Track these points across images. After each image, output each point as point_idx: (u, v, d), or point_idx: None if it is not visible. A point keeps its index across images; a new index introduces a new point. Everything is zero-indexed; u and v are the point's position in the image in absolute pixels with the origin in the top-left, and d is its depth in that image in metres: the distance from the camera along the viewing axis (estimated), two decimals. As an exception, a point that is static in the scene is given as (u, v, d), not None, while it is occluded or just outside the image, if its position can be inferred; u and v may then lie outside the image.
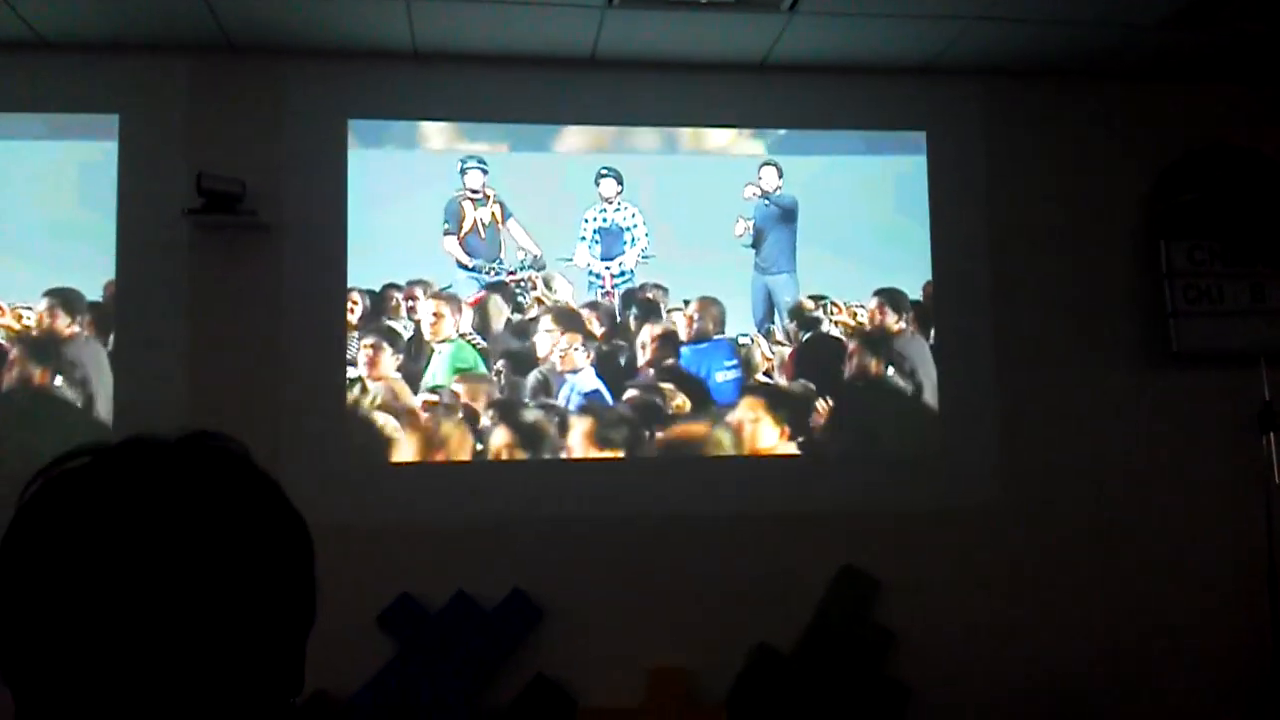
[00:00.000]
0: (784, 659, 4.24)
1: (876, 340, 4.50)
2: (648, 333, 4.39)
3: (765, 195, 4.48)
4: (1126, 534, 4.48)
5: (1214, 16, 4.02)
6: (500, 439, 4.24)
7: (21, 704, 0.81)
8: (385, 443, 4.20)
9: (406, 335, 4.25)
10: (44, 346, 4.07)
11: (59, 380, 4.07)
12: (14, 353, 4.05)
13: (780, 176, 4.50)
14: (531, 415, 4.27)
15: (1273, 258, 4.52)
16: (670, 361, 4.38)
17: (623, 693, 4.17)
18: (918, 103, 4.59)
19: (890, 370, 4.50)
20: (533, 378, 4.28)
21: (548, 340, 4.32)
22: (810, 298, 4.47)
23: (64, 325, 4.09)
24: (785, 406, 4.42)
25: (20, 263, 4.08)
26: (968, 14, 4.00)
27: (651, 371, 4.37)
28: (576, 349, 4.32)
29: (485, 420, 4.24)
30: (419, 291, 4.27)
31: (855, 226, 4.53)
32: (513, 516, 4.21)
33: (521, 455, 4.25)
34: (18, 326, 4.07)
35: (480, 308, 4.30)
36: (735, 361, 4.41)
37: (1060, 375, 4.55)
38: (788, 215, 4.49)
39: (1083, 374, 4.56)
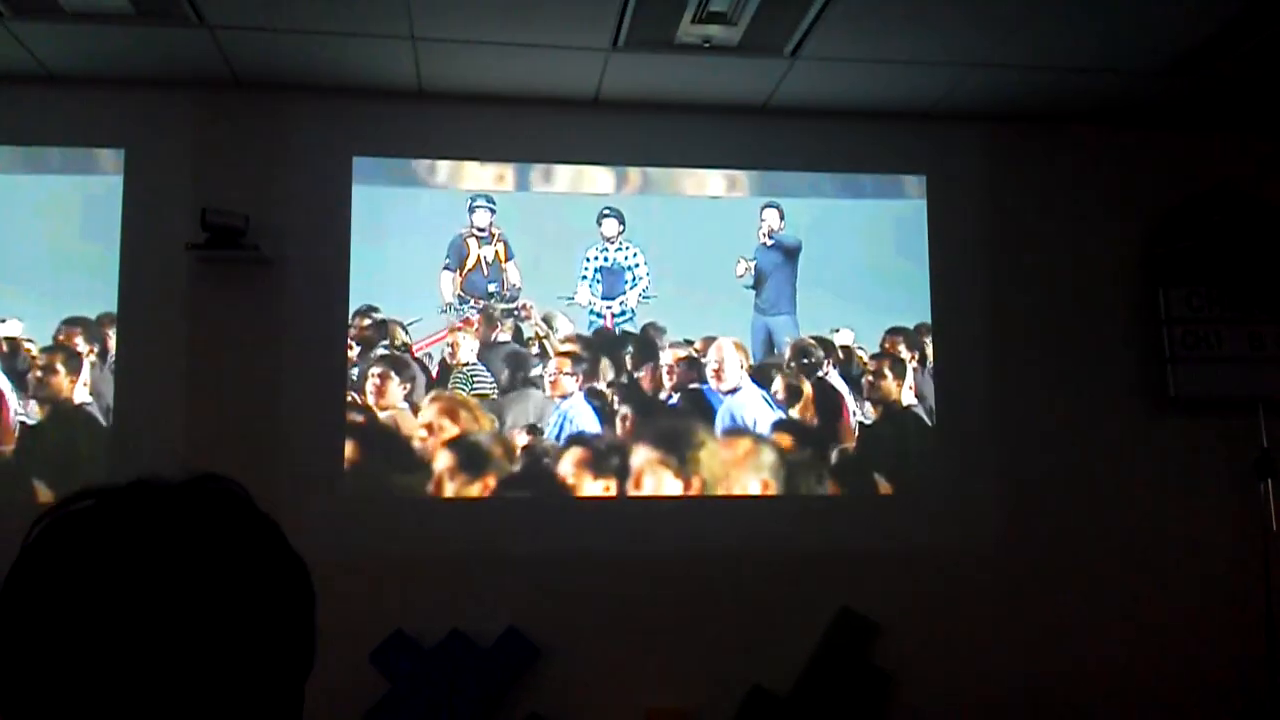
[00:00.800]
0: (780, 701, 4.21)
1: (883, 380, 4.50)
2: (671, 355, 4.40)
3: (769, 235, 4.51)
4: (1124, 578, 4.46)
5: (1212, 64, 4.06)
6: (495, 472, 4.25)
7: None
8: (383, 478, 4.20)
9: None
10: (63, 373, 4.08)
11: (83, 396, 4.09)
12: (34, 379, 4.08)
13: (782, 219, 4.53)
14: (529, 446, 4.27)
15: (1270, 305, 4.53)
16: (695, 385, 4.39)
17: (617, 734, 4.14)
18: (918, 147, 4.63)
19: (892, 411, 4.50)
20: (564, 418, 4.30)
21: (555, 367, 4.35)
22: (814, 338, 4.48)
23: (85, 352, 4.11)
24: (809, 444, 4.43)
25: (22, 295, 4.09)
26: (968, 61, 4.05)
27: (677, 396, 4.37)
28: (567, 373, 4.32)
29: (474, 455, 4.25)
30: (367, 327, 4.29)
31: (855, 269, 4.55)
32: (509, 553, 4.20)
33: (520, 489, 4.25)
34: (36, 355, 4.08)
35: (486, 320, 4.32)
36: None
37: (1059, 419, 4.55)
38: (790, 256, 4.51)
39: (1081, 418, 4.56)
